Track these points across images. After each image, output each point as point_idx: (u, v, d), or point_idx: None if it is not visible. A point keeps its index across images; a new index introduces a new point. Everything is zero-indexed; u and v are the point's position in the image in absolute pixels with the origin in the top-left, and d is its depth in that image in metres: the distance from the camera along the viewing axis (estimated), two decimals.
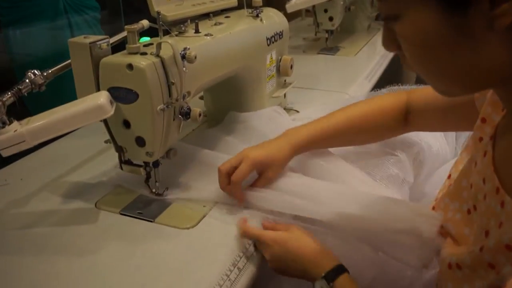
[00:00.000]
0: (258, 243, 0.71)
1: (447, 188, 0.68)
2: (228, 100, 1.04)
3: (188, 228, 0.72)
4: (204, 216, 0.75)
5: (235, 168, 0.76)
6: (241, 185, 0.76)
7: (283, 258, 0.69)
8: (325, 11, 1.58)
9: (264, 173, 0.78)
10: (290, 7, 1.15)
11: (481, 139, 0.61)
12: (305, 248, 0.68)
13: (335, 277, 0.64)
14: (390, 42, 0.51)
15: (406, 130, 0.87)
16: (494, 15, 0.41)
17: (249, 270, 0.67)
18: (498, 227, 0.51)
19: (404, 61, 0.51)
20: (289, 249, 0.68)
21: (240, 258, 0.67)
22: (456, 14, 0.43)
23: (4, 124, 0.62)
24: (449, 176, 0.70)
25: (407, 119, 0.84)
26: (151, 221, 0.74)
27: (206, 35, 0.82)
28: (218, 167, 0.77)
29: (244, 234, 0.72)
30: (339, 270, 0.65)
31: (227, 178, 0.76)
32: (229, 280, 0.63)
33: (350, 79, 1.41)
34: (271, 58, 1.03)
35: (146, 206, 0.77)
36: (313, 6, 1.57)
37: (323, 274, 0.64)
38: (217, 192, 0.79)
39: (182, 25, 0.82)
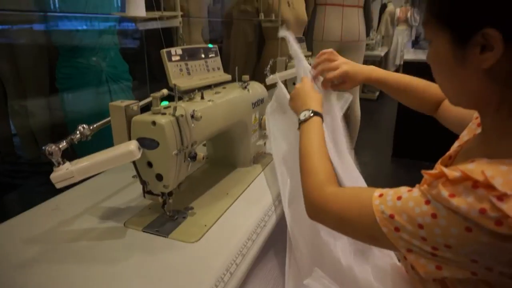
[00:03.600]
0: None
1: None
2: (224, 146, 1.05)
3: (193, 242, 0.71)
4: (205, 233, 0.74)
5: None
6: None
7: (295, 98, 0.85)
8: (293, 84, 1.59)
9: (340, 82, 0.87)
10: (268, 81, 1.18)
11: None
12: (305, 96, 0.81)
13: (310, 115, 0.75)
14: None
15: (434, 114, 0.82)
16: (481, 58, 0.43)
17: (239, 274, 0.66)
18: None
19: None
20: (299, 93, 0.84)
21: (231, 265, 0.66)
22: (458, 48, 0.45)
23: (59, 164, 0.63)
24: None
25: (437, 108, 0.81)
26: (165, 237, 0.73)
27: (209, 100, 0.84)
28: (323, 51, 0.89)
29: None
30: (316, 113, 0.76)
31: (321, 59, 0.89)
32: (223, 282, 0.62)
33: None
34: (255, 117, 1.04)
35: (162, 225, 0.76)
36: (285, 80, 1.60)
37: (304, 109, 0.78)
38: None
39: (191, 93, 0.83)
